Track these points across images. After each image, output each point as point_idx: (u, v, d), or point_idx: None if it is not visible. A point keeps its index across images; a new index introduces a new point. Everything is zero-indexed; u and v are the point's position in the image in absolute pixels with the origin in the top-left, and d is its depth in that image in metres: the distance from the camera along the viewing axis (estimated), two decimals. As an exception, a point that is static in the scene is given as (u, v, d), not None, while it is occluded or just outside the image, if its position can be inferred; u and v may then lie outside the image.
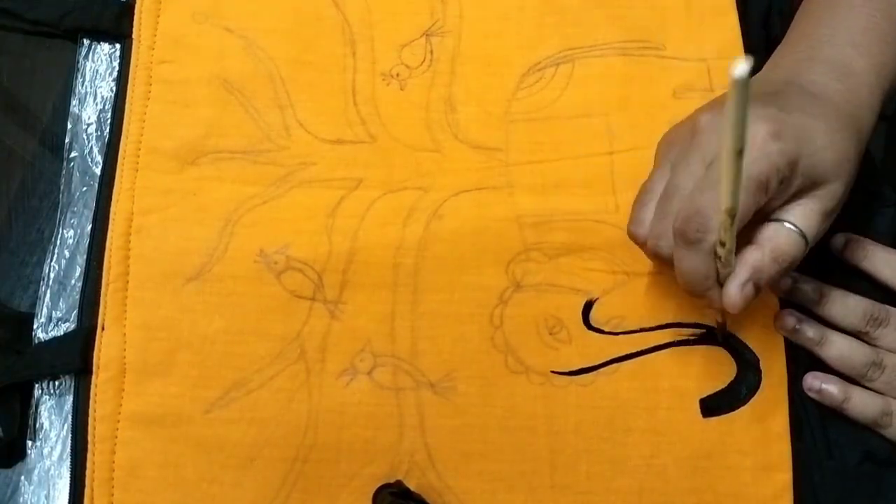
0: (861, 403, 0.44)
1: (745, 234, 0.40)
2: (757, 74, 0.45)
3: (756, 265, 0.39)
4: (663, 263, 0.42)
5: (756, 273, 0.39)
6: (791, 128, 0.39)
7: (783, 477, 0.44)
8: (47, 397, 0.47)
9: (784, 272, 0.40)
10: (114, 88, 0.51)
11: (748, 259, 0.39)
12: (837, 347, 0.45)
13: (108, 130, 0.50)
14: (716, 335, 0.46)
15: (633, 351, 0.46)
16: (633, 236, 0.43)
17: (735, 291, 0.39)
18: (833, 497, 0.44)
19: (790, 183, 0.39)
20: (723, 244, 0.37)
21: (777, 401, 0.45)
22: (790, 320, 0.46)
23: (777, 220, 0.40)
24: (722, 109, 0.36)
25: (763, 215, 0.40)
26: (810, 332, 0.45)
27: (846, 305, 0.45)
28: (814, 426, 0.45)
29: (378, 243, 0.48)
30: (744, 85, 0.28)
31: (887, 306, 0.45)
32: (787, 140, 0.38)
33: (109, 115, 0.51)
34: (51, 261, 0.48)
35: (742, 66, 0.27)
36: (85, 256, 0.48)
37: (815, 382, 0.45)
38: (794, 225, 0.40)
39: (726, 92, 0.31)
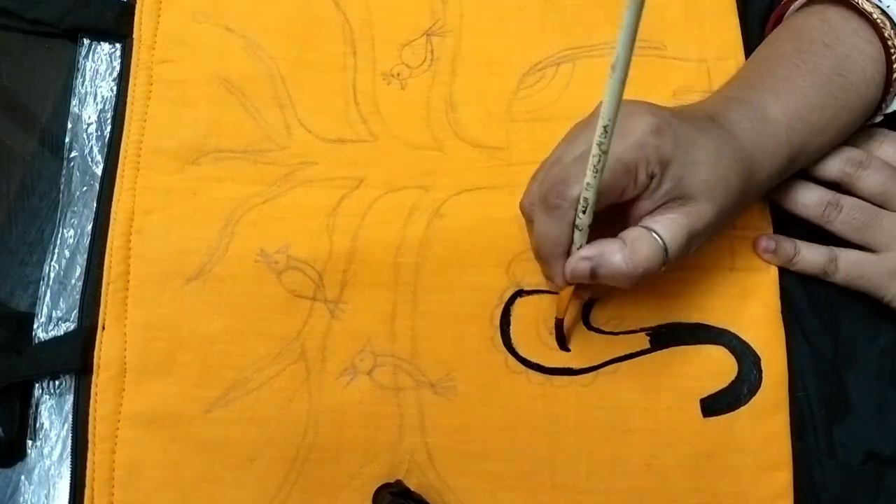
0: (809, 255, 0.46)
1: (613, 235, 0.41)
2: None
3: (606, 252, 0.40)
4: (529, 226, 0.44)
5: (601, 258, 0.40)
6: (675, 131, 0.40)
7: (784, 476, 0.45)
8: (47, 397, 0.47)
9: (634, 277, 0.40)
10: (114, 88, 0.51)
11: (603, 245, 0.41)
12: (794, 192, 0.46)
13: (108, 130, 0.50)
14: (712, 333, 0.46)
15: (634, 351, 0.46)
16: (521, 208, 0.45)
17: (573, 261, 0.41)
18: (834, 496, 0.44)
19: (659, 184, 0.40)
20: (583, 210, 0.39)
21: (777, 401, 0.45)
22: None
23: (644, 226, 0.41)
24: (628, 101, 0.38)
25: (633, 219, 0.41)
26: None
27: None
28: (818, 426, 0.45)
29: (379, 243, 0.48)
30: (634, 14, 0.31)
31: (867, 153, 0.47)
32: (666, 139, 0.39)
33: (110, 114, 0.51)
34: (51, 260, 0.48)
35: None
36: (85, 256, 0.48)
37: (770, 243, 0.47)
38: (658, 235, 0.40)
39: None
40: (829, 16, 0.45)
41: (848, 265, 0.46)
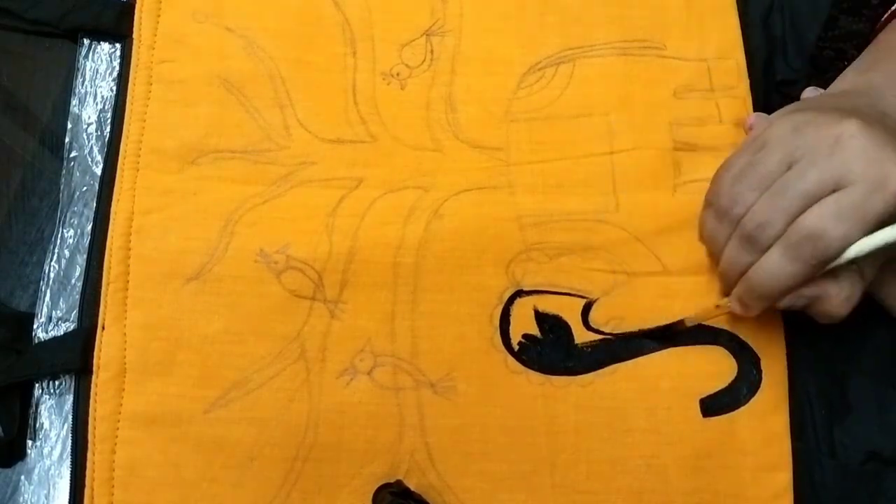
0: None
1: None
2: (863, 81, 0.45)
3: (824, 296, 0.40)
4: (750, 249, 0.41)
5: (818, 300, 0.40)
6: None
7: (783, 477, 0.44)
8: (47, 397, 0.47)
9: (837, 317, 0.41)
10: (114, 88, 0.51)
11: (824, 286, 0.40)
12: None
13: (108, 130, 0.50)
14: (712, 333, 0.46)
15: (633, 351, 0.46)
16: (726, 211, 0.42)
17: (791, 296, 0.41)
18: (834, 497, 0.44)
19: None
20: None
21: (777, 400, 0.45)
22: None
23: (857, 266, 0.40)
24: (876, 136, 0.37)
25: None
26: None
27: None
28: (818, 426, 0.45)
29: (378, 243, 0.47)
30: None
31: None
32: None
33: (109, 114, 0.51)
34: (51, 260, 0.48)
35: None
36: (85, 256, 0.48)
37: None
38: (862, 271, 0.40)
39: (854, 99, 0.36)
40: None
41: None
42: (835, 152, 0.39)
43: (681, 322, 0.46)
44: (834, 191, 0.38)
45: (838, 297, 0.40)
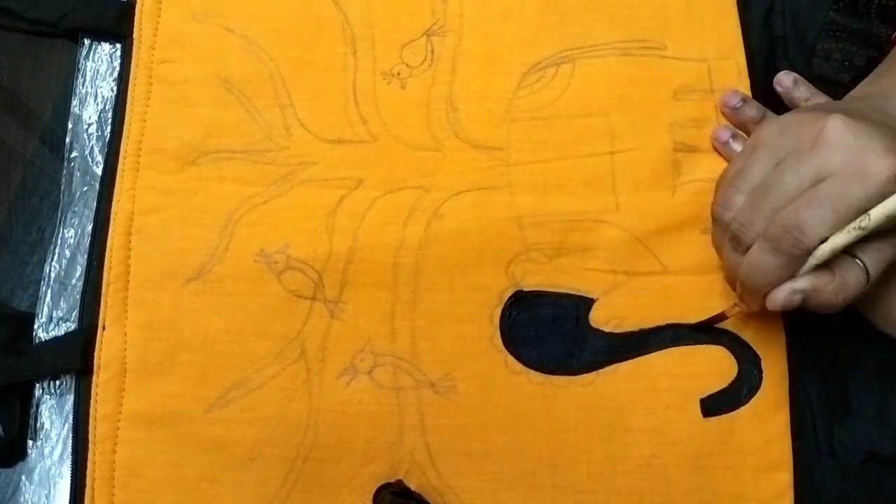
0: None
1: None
2: (871, 89, 0.45)
3: (819, 288, 0.39)
4: (736, 247, 0.42)
5: (813, 293, 0.40)
6: None
7: (784, 477, 0.44)
8: (48, 397, 0.47)
9: (839, 309, 0.40)
10: (114, 88, 0.51)
11: (816, 279, 0.40)
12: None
13: (108, 130, 0.50)
14: (712, 333, 0.46)
15: (633, 351, 0.46)
16: (716, 216, 0.43)
17: (784, 293, 0.40)
18: (834, 497, 0.44)
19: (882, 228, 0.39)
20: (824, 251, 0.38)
21: (778, 400, 0.45)
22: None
23: (852, 255, 0.39)
24: (858, 129, 0.37)
25: None
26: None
27: None
28: (818, 426, 0.45)
29: (378, 243, 0.48)
30: None
31: None
32: None
33: (110, 114, 0.51)
34: (51, 260, 0.48)
35: None
36: (85, 256, 0.48)
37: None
38: (865, 264, 0.39)
39: (852, 102, 0.35)
40: None
41: None
42: (816, 147, 0.39)
43: (722, 315, 0.46)
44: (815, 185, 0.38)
45: (833, 289, 0.40)
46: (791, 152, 0.40)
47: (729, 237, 0.42)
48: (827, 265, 0.40)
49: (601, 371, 0.46)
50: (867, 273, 0.39)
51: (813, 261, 0.39)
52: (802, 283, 0.40)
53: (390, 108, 0.51)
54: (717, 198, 0.43)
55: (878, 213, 0.37)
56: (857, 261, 0.39)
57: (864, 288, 0.40)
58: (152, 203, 0.48)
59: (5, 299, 0.49)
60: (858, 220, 0.37)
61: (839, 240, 0.38)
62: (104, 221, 0.48)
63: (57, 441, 0.46)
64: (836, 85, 0.51)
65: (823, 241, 0.38)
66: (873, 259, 0.39)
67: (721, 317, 0.46)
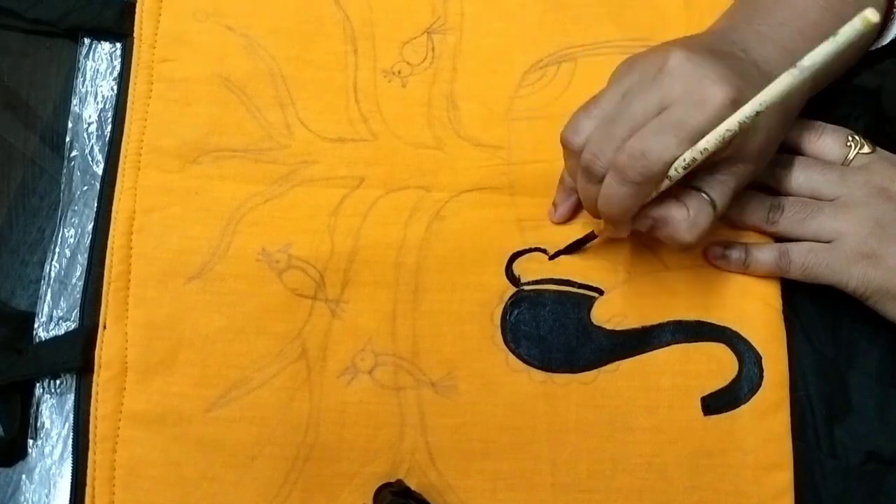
0: (760, 256, 0.46)
1: (664, 193, 0.41)
2: (710, 26, 0.47)
3: (670, 218, 0.41)
4: (590, 178, 0.43)
5: (664, 222, 0.41)
6: (744, 99, 0.40)
7: (784, 476, 0.44)
8: (48, 396, 0.47)
9: (690, 245, 0.41)
10: (115, 87, 0.51)
11: (668, 209, 0.41)
12: (736, 202, 0.46)
13: (108, 129, 0.50)
14: (714, 331, 0.46)
15: (634, 349, 0.46)
16: (566, 142, 0.44)
17: (638, 218, 0.42)
18: (834, 496, 0.44)
19: (721, 152, 0.40)
20: (683, 167, 0.39)
21: (778, 400, 0.45)
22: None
23: (698, 189, 0.41)
24: (697, 59, 0.39)
25: (684, 180, 0.42)
26: None
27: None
28: (818, 425, 0.45)
29: (380, 242, 0.48)
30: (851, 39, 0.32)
31: (788, 154, 0.48)
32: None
33: (110, 113, 0.51)
34: (52, 260, 0.48)
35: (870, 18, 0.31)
36: (86, 255, 0.48)
37: (718, 250, 0.47)
38: (712, 199, 0.41)
39: (702, 35, 0.36)
40: None
41: (801, 255, 0.45)
42: (658, 77, 0.40)
43: (591, 234, 0.47)
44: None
45: (683, 222, 0.41)
46: (637, 83, 0.42)
47: (581, 169, 0.43)
48: (678, 199, 0.41)
49: (602, 369, 0.46)
50: (714, 206, 0.41)
51: (662, 186, 0.40)
52: (657, 211, 0.41)
53: (391, 106, 0.50)
54: (567, 124, 0.44)
55: (714, 137, 0.38)
56: (704, 194, 0.41)
57: (714, 220, 0.41)
58: (153, 202, 0.48)
59: (5, 299, 0.49)
60: (698, 144, 0.38)
61: (681, 163, 0.39)
62: (105, 220, 0.48)
63: (57, 440, 0.46)
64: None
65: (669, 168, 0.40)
66: (717, 191, 0.41)
67: (590, 236, 0.47)
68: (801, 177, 0.47)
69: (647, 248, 0.48)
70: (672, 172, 0.39)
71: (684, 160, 0.39)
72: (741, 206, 0.47)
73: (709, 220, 0.41)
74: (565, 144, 0.44)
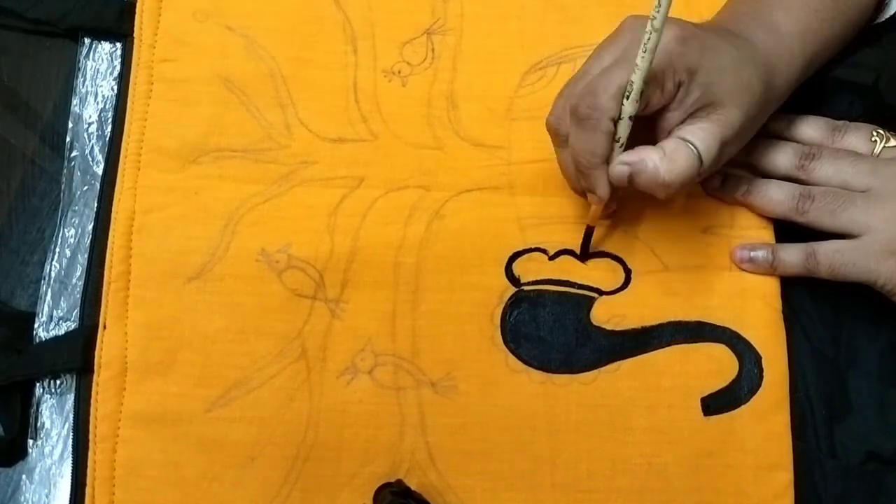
0: (786, 256, 0.46)
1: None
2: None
3: (646, 159, 0.41)
4: (559, 143, 0.44)
5: (640, 164, 0.41)
6: (699, 40, 0.41)
7: (784, 476, 0.45)
8: (48, 396, 0.47)
9: (672, 187, 0.41)
10: (115, 87, 0.51)
11: (643, 152, 0.41)
12: (765, 191, 0.46)
13: (109, 129, 0.50)
14: (713, 331, 0.46)
15: (634, 349, 0.46)
16: (547, 126, 0.44)
17: (613, 165, 0.42)
18: (834, 496, 0.44)
19: (687, 93, 0.41)
20: (626, 97, 0.40)
21: (778, 400, 0.45)
22: (715, 180, 0.48)
23: (679, 136, 0.42)
24: (646, 17, 0.39)
25: (663, 132, 0.42)
26: (737, 181, 0.48)
27: (777, 148, 0.48)
28: (819, 425, 0.45)
29: (379, 243, 0.48)
30: None
31: (818, 145, 0.47)
32: (691, 48, 0.40)
33: (110, 114, 0.51)
34: (52, 260, 0.48)
35: None
36: (86, 255, 0.48)
37: (745, 253, 0.47)
38: (693, 144, 0.41)
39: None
40: None
41: (828, 255, 0.45)
42: (612, 37, 0.43)
43: (588, 228, 0.47)
44: None
45: (660, 161, 0.41)
46: (596, 48, 0.44)
47: (552, 137, 0.44)
48: (652, 143, 0.42)
49: (602, 369, 0.46)
50: (697, 153, 0.41)
51: (622, 126, 0.41)
52: (630, 155, 0.41)
53: (391, 106, 0.51)
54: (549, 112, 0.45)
55: (642, 52, 0.38)
56: (687, 143, 0.41)
57: (700, 170, 0.41)
58: (153, 202, 0.48)
59: (5, 299, 0.49)
60: (645, 36, 0.38)
61: (629, 89, 0.39)
62: (105, 220, 0.48)
63: (57, 440, 0.46)
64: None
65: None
66: (699, 138, 0.41)
67: (589, 230, 0.47)
68: (830, 168, 0.46)
69: (648, 247, 0.48)
70: (626, 106, 0.40)
71: (631, 84, 0.39)
72: (769, 196, 0.46)
73: (688, 162, 0.41)
74: (548, 128, 0.44)
